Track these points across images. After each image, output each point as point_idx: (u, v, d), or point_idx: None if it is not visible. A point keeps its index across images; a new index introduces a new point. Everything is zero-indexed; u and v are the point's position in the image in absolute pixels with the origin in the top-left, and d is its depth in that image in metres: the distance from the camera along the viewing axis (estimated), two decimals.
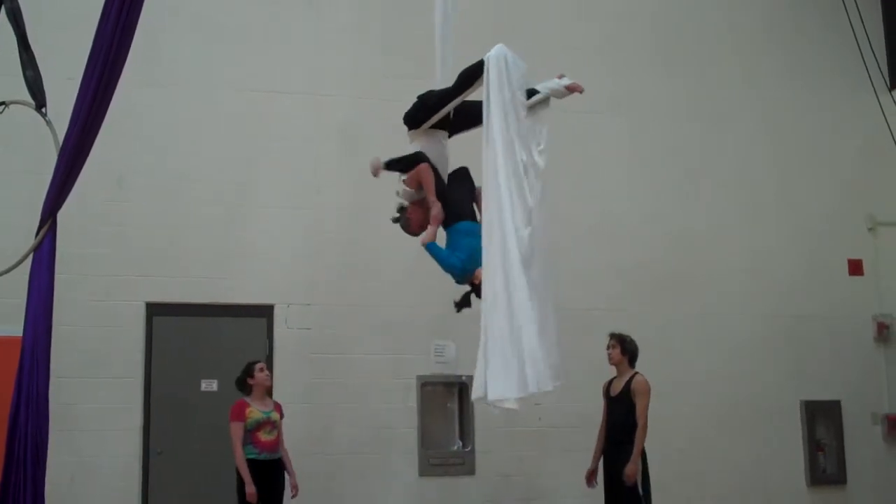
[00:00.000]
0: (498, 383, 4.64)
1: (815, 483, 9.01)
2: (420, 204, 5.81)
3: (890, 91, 9.28)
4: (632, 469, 6.54)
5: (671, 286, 8.89)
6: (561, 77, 5.56)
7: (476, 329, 8.59)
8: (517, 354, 4.64)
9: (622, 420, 6.73)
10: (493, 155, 4.90)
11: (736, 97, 9.48)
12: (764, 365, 9.01)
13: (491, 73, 4.92)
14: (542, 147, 5.27)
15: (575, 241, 8.35)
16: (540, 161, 5.26)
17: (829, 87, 9.72)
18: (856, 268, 9.52)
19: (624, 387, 6.82)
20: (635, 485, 6.56)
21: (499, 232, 4.80)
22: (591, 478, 6.98)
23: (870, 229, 9.61)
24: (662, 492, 8.39)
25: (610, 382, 6.99)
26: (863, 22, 8.71)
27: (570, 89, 5.45)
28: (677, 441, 8.58)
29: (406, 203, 5.90)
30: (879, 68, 9.06)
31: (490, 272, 4.79)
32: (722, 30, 9.63)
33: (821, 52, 9.73)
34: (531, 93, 5.47)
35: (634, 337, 7.55)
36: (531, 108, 5.41)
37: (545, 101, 5.45)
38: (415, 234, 5.88)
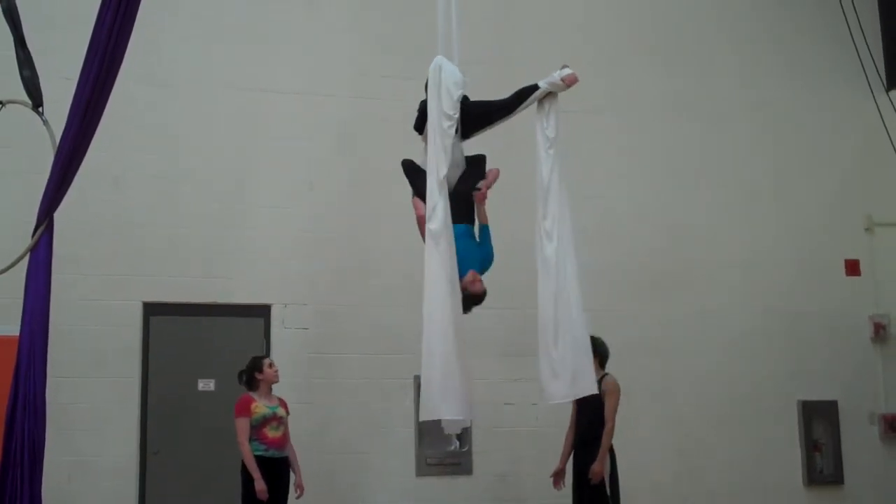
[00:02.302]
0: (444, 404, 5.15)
1: (811, 483, 9.01)
2: None
3: (887, 92, 9.29)
4: (598, 467, 6.57)
5: (669, 285, 8.89)
6: (563, 68, 5.69)
7: (474, 329, 8.62)
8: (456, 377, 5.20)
9: (592, 420, 6.74)
10: (433, 156, 5.36)
11: (734, 97, 9.48)
12: (761, 365, 9.02)
13: (430, 83, 5.51)
14: (552, 137, 5.54)
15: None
16: (549, 157, 5.53)
17: (826, 88, 9.72)
18: (853, 268, 9.53)
19: None
20: (601, 484, 6.58)
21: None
22: (557, 478, 6.97)
23: (867, 230, 9.61)
24: (659, 491, 8.43)
25: None
26: (860, 23, 8.72)
27: (567, 83, 5.63)
28: (674, 440, 8.60)
29: None
30: (877, 69, 9.08)
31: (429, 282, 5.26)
32: (720, 30, 9.63)
33: (818, 53, 9.73)
34: (533, 89, 5.63)
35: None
36: (539, 103, 5.62)
37: (551, 95, 5.71)
38: None
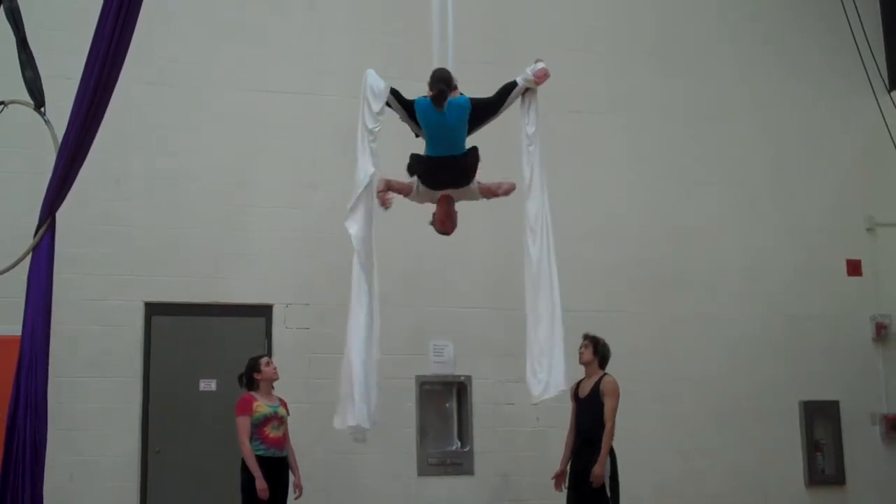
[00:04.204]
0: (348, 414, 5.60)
1: (813, 483, 9.01)
2: (441, 203, 5.95)
3: (889, 92, 9.30)
4: (599, 470, 6.52)
5: (671, 286, 8.89)
6: (536, 62, 5.78)
7: (475, 329, 8.63)
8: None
9: (591, 421, 6.70)
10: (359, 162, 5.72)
11: (735, 97, 9.49)
12: (763, 365, 9.02)
13: (362, 94, 5.79)
14: (531, 133, 5.65)
15: (574, 241, 8.31)
16: (529, 154, 5.64)
17: (828, 88, 9.72)
18: (854, 268, 9.53)
19: (593, 388, 6.80)
20: (602, 486, 6.54)
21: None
22: (559, 481, 6.91)
23: (868, 230, 9.62)
24: (661, 492, 8.43)
25: (578, 384, 6.95)
26: (862, 23, 8.73)
27: (537, 79, 5.71)
28: (676, 441, 8.60)
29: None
30: (879, 70, 9.08)
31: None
32: (721, 30, 9.64)
33: (820, 53, 9.73)
34: (511, 86, 5.73)
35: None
36: (521, 99, 5.91)
37: (530, 91, 5.87)
38: (443, 232, 6.05)
